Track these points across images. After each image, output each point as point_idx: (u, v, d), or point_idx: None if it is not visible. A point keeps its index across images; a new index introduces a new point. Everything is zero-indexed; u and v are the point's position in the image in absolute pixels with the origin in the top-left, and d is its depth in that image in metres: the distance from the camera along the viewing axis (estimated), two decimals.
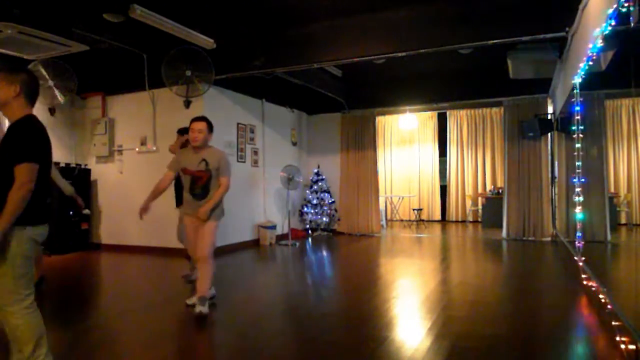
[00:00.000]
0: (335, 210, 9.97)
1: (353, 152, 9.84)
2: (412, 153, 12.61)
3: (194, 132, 3.92)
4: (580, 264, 5.19)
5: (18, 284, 2.32)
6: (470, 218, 11.94)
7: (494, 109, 11.39)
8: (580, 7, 4.27)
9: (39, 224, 2.41)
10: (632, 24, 2.61)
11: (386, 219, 11.67)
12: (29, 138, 2.35)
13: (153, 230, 7.54)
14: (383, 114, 10.82)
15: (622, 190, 9.97)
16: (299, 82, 7.86)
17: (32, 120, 2.42)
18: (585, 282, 4.70)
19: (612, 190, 9.60)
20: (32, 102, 2.49)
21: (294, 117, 9.94)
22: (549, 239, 8.30)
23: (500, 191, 10.13)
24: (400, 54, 6.00)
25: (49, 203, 2.56)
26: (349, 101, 9.75)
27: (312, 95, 9.20)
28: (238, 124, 8.01)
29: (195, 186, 3.94)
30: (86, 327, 3.85)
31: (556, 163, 8.44)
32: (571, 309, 4.22)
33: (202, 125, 3.95)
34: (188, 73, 6.33)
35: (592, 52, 3.82)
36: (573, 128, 5.41)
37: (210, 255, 3.97)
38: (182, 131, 5.87)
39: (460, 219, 12.07)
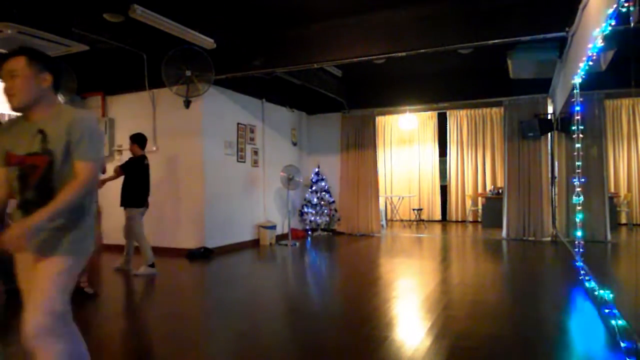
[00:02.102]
0: (335, 210, 9.97)
1: (353, 152, 9.84)
2: (412, 153, 12.61)
3: (5, 78, 2.00)
4: (580, 264, 5.19)
5: None
6: (470, 218, 11.93)
7: (494, 109, 11.38)
8: (580, 7, 4.27)
9: None
10: (632, 24, 2.61)
11: (386, 219, 11.66)
12: None
13: (151, 230, 7.54)
14: (383, 114, 10.82)
15: (622, 190, 9.97)
16: (299, 82, 7.86)
17: None
18: (585, 282, 4.70)
19: (612, 190, 9.60)
20: None
21: (294, 117, 9.94)
22: (549, 239, 8.30)
23: (500, 191, 10.12)
24: (400, 54, 5.99)
25: None
26: (349, 101, 9.75)
27: (312, 95, 9.21)
28: (238, 124, 8.00)
29: (27, 186, 2.01)
30: (85, 326, 3.85)
31: (556, 163, 8.44)
32: (571, 309, 4.22)
33: (17, 62, 1.99)
34: (188, 73, 6.34)
35: (592, 52, 3.82)
36: (573, 128, 5.41)
37: (52, 327, 1.89)
38: (135, 138, 5.80)
39: (460, 219, 12.07)
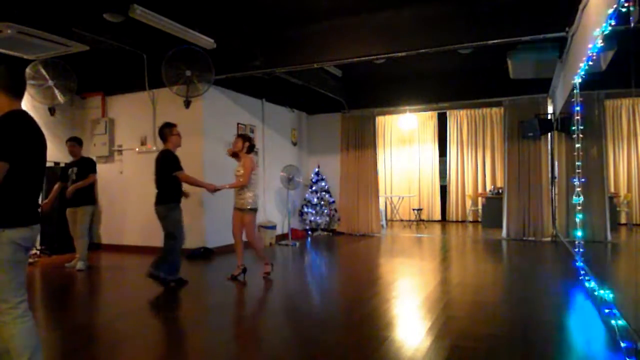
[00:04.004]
0: (335, 210, 9.97)
1: (353, 152, 9.84)
2: (412, 153, 12.60)
3: None
4: (580, 264, 5.19)
5: (6, 292, 2.19)
6: (470, 218, 11.93)
7: (494, 109, 11.38)
8: (580, 7, 4.27)
9: (20, 226, 2.22)
10: (632, 24, 2.61)
11: (386, 219, 11.66)
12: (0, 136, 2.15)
13: (152, 230, 7.52)
14: (383, 114, 10.81)
15: (622, 190, 9.95)
16: (299, 82, 7.86)
17: (11, 116, 2.23)
18: (585, 282, 4.70)
19: (612, 190, 9.59)
20: (15, 95, 2.31)
21: (294, 117, 9.94)
22: (549, 239, 8.30)
23: (500, 191, 10.12)
24: (400, 54, 6.00)
25: (34, 203, 2.35)
26: (349, 101, 9.74)
27: (312, 95, 9.20)
28: (238, 124, 8.00)
29: None
30: (85, 327, 3.85)
31: (556, 163, 8.43)
32: (571, 308, 4.22)
33: None
34: (188, 73, 6.33)
35: (592, 52, 3.82)
36: (573, 128, 5.41)
37: None
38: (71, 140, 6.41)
39: (460, 219, 12.06)
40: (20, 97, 2.36)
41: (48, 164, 7.29)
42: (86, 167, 6.26)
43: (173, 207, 4.99)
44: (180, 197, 5.12)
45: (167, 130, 5.11)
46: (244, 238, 5.41)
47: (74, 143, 6.35)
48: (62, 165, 7.58)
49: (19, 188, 2.20)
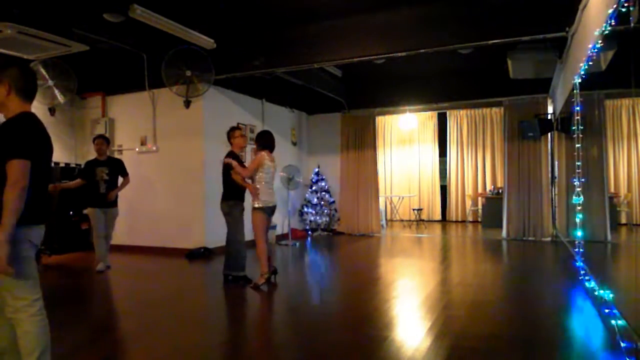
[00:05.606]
0: (335, 210, 9.97)
1: (353, 152, 9.84)
2: (412, 153, 12.60)
3: None
4: (580, 264, 5.19)
5: (22, 289, 2.21)
6: (470, 218, 11.93)
7: (494, 109, 11.38)
8: (580, 7, 4.27)
9: (32, 224, 2.25)
10: (632, 24, 2.61)
11: (386, 219, 11.66)
12: (18, 134, 2.19)
13: (152, 231, 7.54)
14: (383, 114, 10.81)
15: (622, 190, 9.96)
16: (299, 82, 7.86)
17: (24, 117, 2.27)
18: (585, 282, 4.70)
19: (612, 190, 9.59)
20: (27, 97, 2.33)
21: (294, 117, 9.94)
22: (549, 239, 8.30)
23: (500, 191, 10.12)
24: (400, 54, 6.00)
25: (45, 202, 2.40)
26: (349, 101, 9.75)
27: (312, 95, 9.20)
28: (238, 124, 8.00)
29: None
30: (85, 327, 3.85)
31: (556, 163, 8.43)
32: (571, 309, 4.22)
33: None
34: (188, 73, 6.34)
35: (592, 52, 3.82)
36: (573, 128, 5.41)
37: None
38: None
39: (460, 219, 12.06)
40: (30, 100, 2.38)
41: None
42: (118, 168, 6.14)
43: (232, 204, 5.24)
44: (243, 195, 5.32)
45: (230, 134, 5.49)
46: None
47: (103, 141, 6.09)
48: (61, 164, 7.59)
49: (32, 187, 2.21)
